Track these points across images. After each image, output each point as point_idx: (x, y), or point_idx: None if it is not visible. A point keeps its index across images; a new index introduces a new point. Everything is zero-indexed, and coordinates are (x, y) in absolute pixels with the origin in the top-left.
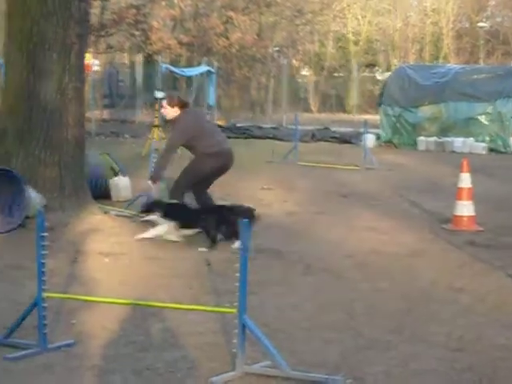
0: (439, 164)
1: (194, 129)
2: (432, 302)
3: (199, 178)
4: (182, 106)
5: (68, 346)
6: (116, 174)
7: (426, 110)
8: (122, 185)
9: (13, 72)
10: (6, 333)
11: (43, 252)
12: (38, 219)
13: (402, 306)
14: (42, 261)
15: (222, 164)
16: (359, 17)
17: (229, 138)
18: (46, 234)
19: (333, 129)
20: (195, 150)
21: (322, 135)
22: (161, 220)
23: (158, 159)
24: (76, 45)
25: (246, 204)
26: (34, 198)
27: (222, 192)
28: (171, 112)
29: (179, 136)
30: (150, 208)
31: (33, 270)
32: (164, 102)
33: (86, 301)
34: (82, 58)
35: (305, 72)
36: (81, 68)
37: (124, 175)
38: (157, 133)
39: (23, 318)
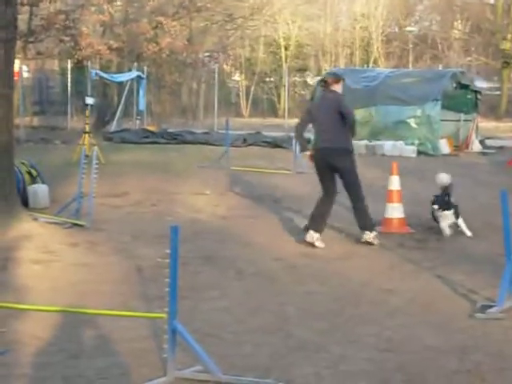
0: (369, 167)
1: None
2: (362, 303)
3: None
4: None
5: None
6: (34, 180)
7: (356, 114)
8: (40, 192)
9: None
10: None
11: None
12: None
13: (333, 308)
14: None
15: None
16: (289, 22)
17: (160, 143)
18: None
19: (264, 133)
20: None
21: (253, 140)
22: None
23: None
24: (2, 50)
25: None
26: None
27: (153, 197)
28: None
29: None
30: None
31: None
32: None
33: (17, 309)
34: (10, 64)
35: (236, 77)
36: (10, 74)
37: (43, 182)
38: (87, 139)
39: None
